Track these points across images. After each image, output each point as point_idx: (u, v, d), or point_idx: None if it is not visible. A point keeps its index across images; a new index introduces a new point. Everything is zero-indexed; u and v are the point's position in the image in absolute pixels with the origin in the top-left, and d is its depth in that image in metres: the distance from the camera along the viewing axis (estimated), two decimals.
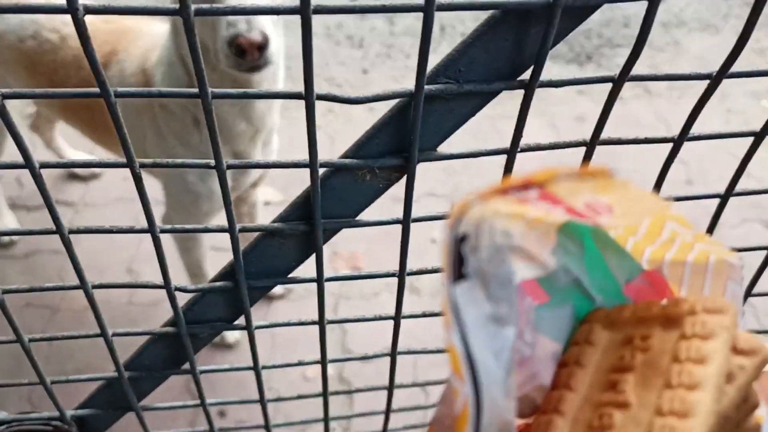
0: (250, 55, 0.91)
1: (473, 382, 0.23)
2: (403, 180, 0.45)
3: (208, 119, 0.38)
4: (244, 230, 0.46)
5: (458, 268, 0.23)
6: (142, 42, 1.20)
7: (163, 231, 0.46)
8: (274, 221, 0.48)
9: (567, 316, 0.28)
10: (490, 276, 0.24)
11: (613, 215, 0.27)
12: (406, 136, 0.43)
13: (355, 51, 2.64)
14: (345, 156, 0.45)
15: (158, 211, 1.35)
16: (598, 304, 0.29)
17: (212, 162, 0.41)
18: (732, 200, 0.49)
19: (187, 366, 0.54)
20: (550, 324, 0.28)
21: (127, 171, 0.39)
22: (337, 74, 2.52)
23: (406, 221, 0.48)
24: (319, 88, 0.41)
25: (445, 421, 0.27)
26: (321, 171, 0.44)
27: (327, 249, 2.05)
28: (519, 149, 0.44)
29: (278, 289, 1.66)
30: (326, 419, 0.64)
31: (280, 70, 1.11)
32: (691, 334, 0.24)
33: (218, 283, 0.50)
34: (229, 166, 0.42)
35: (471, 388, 0.23)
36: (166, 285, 0.48)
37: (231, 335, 1.54)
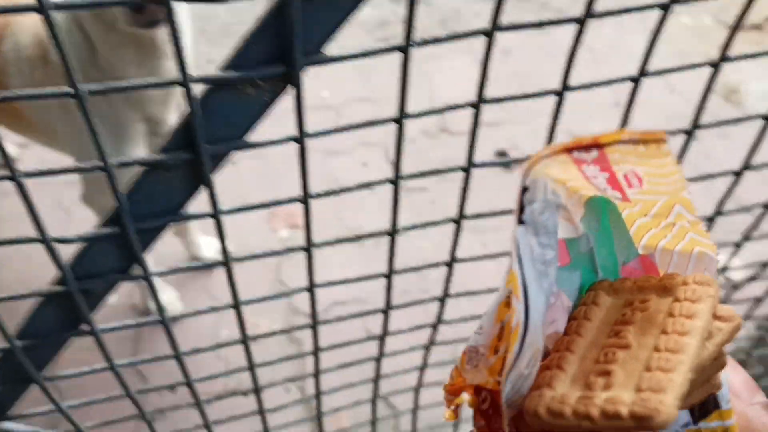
0: (147, 9, 0.85)
1: (525, 305, 0.27)
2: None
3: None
4: (123, 165, 0.41)
5: (520, 214, 0.27)
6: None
7: (28, 175, 0.40)
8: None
9: (577, 281, 0.33)
10: (540, 226, 0.28)
11: (641, 189, 0.31)
12: (288, 39, 0.39)
13: None
14: (223, 68, 0.40)
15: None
16: (599, 277, 0.33)
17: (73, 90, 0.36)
18: (658, 117, 0.46)
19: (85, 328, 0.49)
20: (566, 283, 0.32)
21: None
22: None
23: (301, 139, 0.44)
24: None
25: (479, 349, 0.31)
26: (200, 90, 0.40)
27: (264, 210, 1.99)
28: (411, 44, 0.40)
29: (213, 255, 1.60)
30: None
31: (186, 25, 1.05)
32: (683, 298, 0.29)
33: (103, 230, 0.45)
34: (92, 92, 0.37)
35: (522, 309, 0.27)
36: (42, 237, 0.43)
37: (173, 308, 1.48)
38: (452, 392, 0.33)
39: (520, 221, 0.27)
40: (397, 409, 1.21)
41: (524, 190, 0.27)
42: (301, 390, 1.34)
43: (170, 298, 1.48)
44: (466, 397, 0.31)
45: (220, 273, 1.64)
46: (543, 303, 0.29)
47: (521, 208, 0.27)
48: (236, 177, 1.82)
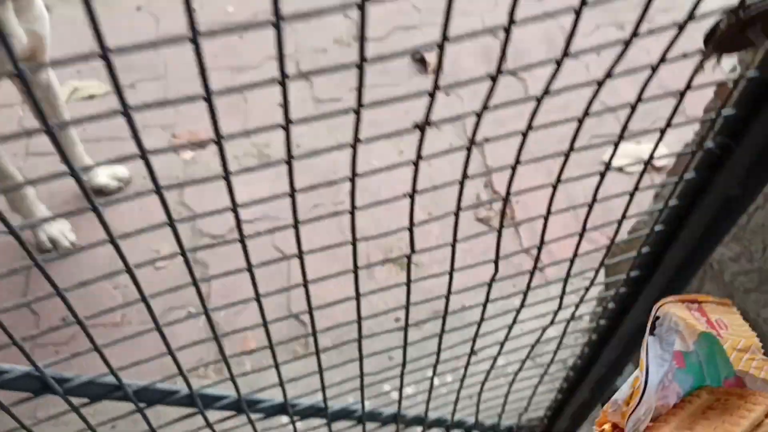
0: None
1: (645, 378, 0.48)
2: None
3: None
4: None
5: (653, 330, 0.50)
6: None
7: None
8: None
9: (690, 380, 0.50)
10: (664, 339, 0.50)
11: (728, 332, 0.50)
12: None
13: None
14: None
15: None
16: (706, 383, 0.50)
17: None
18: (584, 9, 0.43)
19: None
20: (681, 380, 0.50)
21: None
22: None
23: (195, 39, 0.38)
24: None
25: (619, 401, 0.51)
26: None
27: (165, 132, 1.89)
28: None
29: (110, 182, 1.50)
30: None
31: None
32: (747, 403, 0.47)
33: None
34: None
35: (644, 380, 0.48)
36: None
37: (64, 239, 1.39)
38: (600, 425, 0.52)
39: (652, 333, 0.51)
40: (308, 328, 1.20)
41: (656, 318, 0.51)
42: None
43: (61, 229, 1.39)
44: (607, 428, 0.51)
45: (118, 201, 1.55)
46: (657, 380, 0.48)
47: (653, 327, 0.51)
48: (136, 101, 1.71)
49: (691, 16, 0.36)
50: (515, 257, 0.87)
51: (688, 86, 0.43)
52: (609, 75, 0.40)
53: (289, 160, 0.45)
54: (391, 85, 1.81)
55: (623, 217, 0.58)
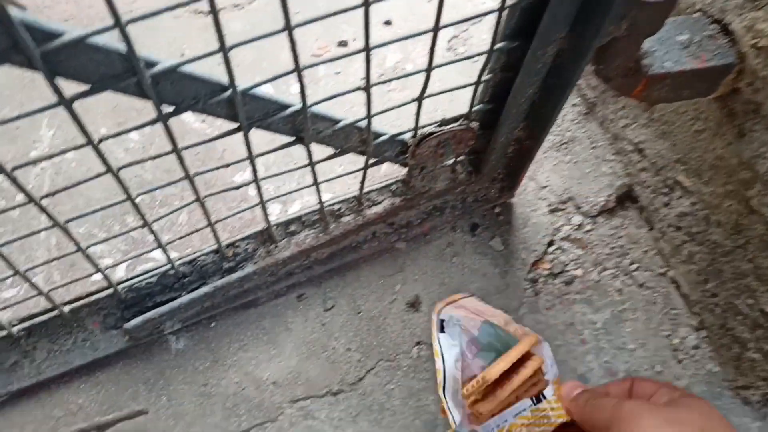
0: None
1: (443, 362, 0.68)
2: None
3: None
4: None
5: (441, 329, 0.71)
6: None
7: None
8: None
9: (492, 356, 0.68)
10: (450, 332, 0.70)
11: (489, 314, 0.74)
12: None
13: None
14: None
15: None
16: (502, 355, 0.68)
17: None
18: None
19: None
20: (483, 357, 0.68)
21: None
22: None
23: None
24: None
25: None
26: None
27: None
28: None
29: None
30: None
31: None
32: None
33: None
34: None
35: (442, 364, 0.68)
36: None
37: None
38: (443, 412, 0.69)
39: (442, 331, 0.71)
40: None
41: (442, 320, 0.71)
42: None
43: None
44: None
45: None
46: (453, 360, 0.68)
47: (441, 326, 0.71)
48: None
49: None
50: None
51: None
52: None
53: None
54: None
55: None
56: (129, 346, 0.88)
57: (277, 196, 0.81)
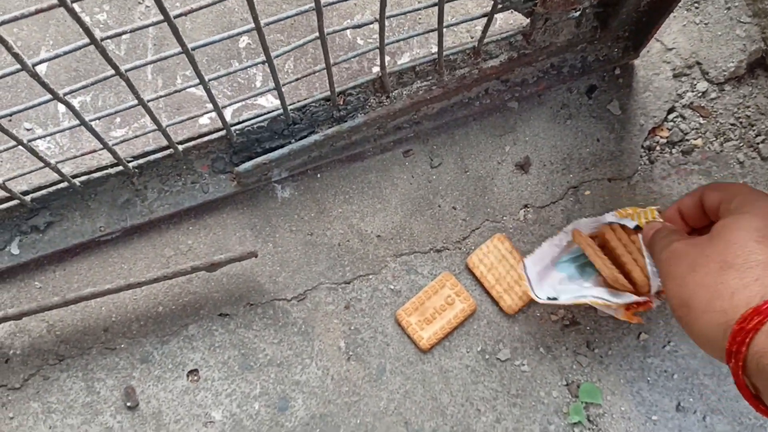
0: None
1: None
2: None
3: None
4: None
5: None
6: None
7: None
8: None
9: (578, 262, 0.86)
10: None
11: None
12: None
13: None
14: None
15: None
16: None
17: None
18: None
19: None
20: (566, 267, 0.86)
21: None
22: None
23: None
24: None
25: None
26: None
27: None
28: None
29: None
30: None
31: None
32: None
33: None
34: None
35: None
36: None
37: None
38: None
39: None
40: None
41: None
42: None
43: None
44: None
45: None
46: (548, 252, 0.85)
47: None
48: None
49: None
50: None
51: None
52: None
53: None
54: None
55: None
56: (237, 191, 0.88)
57: (396, 41, 0.77)
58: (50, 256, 0.86)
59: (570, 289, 0.80)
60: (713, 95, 0.94)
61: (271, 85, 0.76)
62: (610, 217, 0.80)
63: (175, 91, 0.70)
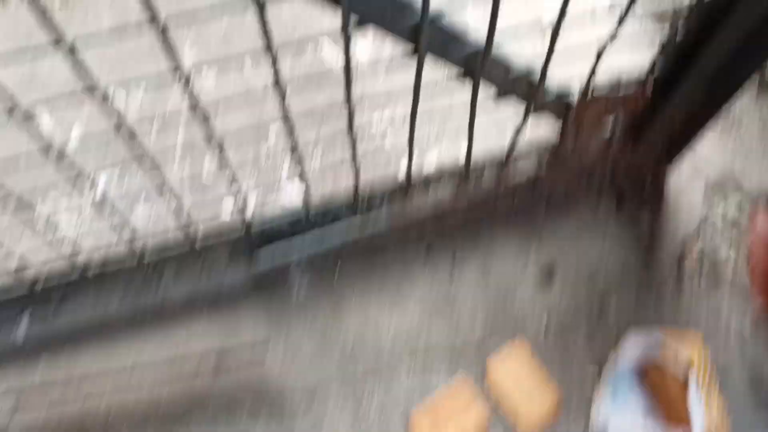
0: None
1: None
2: None
3: None
4: None
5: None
6: None
7: None
8: None
9: None
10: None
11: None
12: None
13: None
14: None
15: None
16: None
17: None
18: None
19: None
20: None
21: None
22: None
23: None
24: None
25: None
26: None
27: None
28: None
29: None
30: None
31: None
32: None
33: None
34: None
35: None
36: None
37: None
38: None
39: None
40: None
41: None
42: None
43: None
44: None
45: None
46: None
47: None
48: None
49: None
50: None
51: None
52: None
53: None
54: None
55: None
56: (253, 281, 0.87)
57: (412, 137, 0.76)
58: (59, 338, 0.85)
59: None
60: (747, 209, 0.92)
61: (296, 172, 0.75)
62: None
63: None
